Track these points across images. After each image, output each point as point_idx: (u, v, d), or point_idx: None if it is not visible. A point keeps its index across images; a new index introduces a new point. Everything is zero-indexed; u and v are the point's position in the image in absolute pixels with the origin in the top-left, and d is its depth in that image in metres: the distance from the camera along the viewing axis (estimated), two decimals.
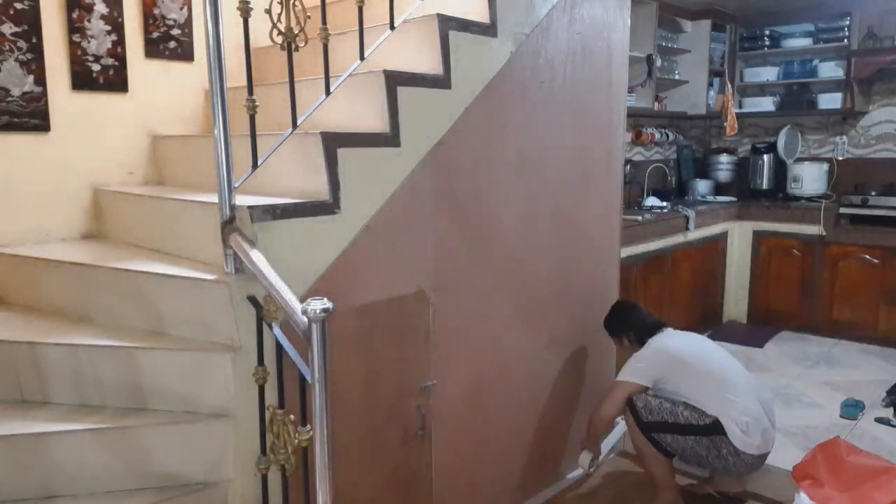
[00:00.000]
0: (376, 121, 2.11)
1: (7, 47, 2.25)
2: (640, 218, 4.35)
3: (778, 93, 5.62)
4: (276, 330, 1.68)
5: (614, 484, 3.09)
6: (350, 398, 2.09)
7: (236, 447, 1.81)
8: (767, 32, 5.51)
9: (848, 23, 5.09)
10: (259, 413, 1.78)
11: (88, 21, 2.44)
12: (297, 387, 1.59)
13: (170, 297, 1.92)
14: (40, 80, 2.34)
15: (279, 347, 1.67)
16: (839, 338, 5.01)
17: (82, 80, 2.45)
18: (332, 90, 2.04)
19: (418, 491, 2.39)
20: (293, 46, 1.89)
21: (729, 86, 5.38)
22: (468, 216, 2.44)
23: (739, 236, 5.43)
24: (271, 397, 1.74)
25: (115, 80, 2.54)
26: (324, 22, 1.96)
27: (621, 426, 3.10)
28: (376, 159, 2.07)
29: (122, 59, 2.55)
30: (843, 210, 5.02)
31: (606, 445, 3.16)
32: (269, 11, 1.83)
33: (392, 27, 2.21)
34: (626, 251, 3.94)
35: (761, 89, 5.70)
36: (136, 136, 2.63)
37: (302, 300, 1.45)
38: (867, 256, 4.87)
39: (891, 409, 3.74)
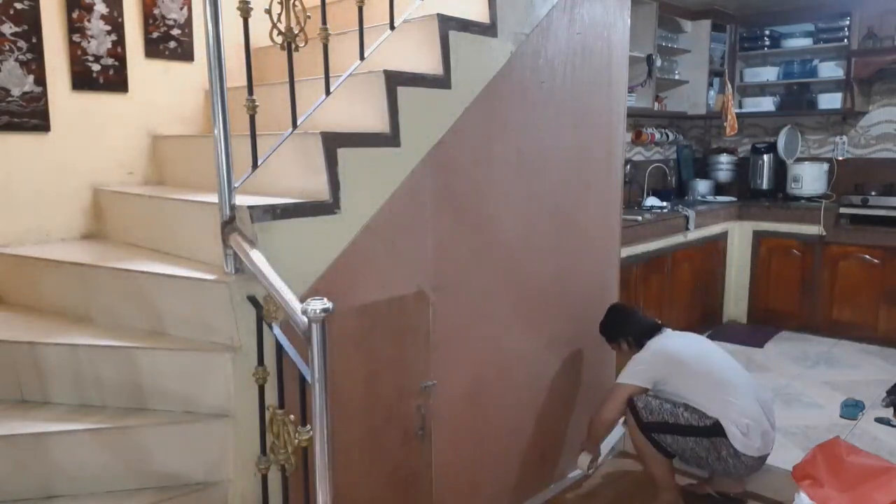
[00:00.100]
0: (376, 121, 2.11)
1: (7, 47, 2.25)
2: (640, 218, 4.34)
3: (778, 93, 5.61)
4: (276, 330, 1.68)
5: (614, 484, 3.10)
6: (350, 398, 2.09)
7: (236, 447, 1.81)
8: (767, 32, 5.51)
9: (848, 23, 5.09)
10: (259, 413, 1.79)
11: (88, 21, 2.44)
12: (297, 387, 1.59)
13: (170, 297, 1.92)
14: (40, 80, 2.34)
15: (279, 347, 1.67)
16: (839, 338, 5.01)
17: (82, 80, 2.45)
18: (332, 90, 2.04)
19: (418, 491, 2.39)
20: (293, 46, 1.89)
21: (729, 86, 5.38)
22: (468, 216, 2.44)
23: (739, 236, 5.43)
24: (271, 397, 1.74)
25: (115, 80, 2.54)
26: (324, 22, 1.96)
27: (621, 426, 3.10)
28: (376, 159, 2.07)
29: (122, 59, 2.55)
30: (843, 210, 5.02)
31: (606, 446, 3.16)
32: (269, 11, 1.83)
33: (392, 27, 2.21)
34: (626, 251, 3.94)
35: (761, 89, 5.70)
36: (136, 136, 2.63)
37: (302, 300, 1.45)
38: (867, 256, 4.87)
39: (891, 409, 3.74)
